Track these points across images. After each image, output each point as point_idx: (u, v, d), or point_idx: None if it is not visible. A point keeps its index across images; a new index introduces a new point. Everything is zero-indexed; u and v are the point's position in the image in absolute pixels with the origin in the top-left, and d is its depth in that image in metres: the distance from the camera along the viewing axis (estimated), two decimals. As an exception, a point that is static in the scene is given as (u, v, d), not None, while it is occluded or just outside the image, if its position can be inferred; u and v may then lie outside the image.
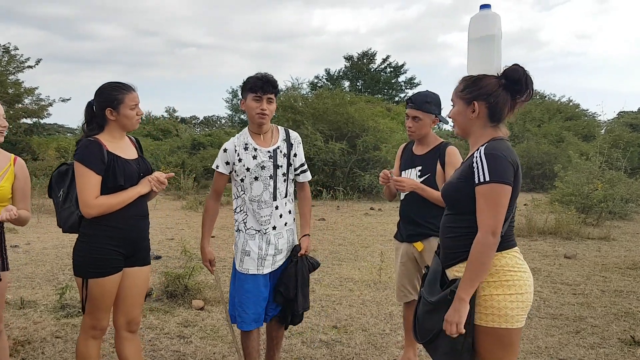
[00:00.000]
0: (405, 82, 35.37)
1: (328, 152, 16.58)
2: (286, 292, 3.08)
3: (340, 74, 35.19)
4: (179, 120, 36.69)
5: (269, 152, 3.09)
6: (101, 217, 2.64)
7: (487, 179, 2.00)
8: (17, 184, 2.86)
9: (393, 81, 35.30)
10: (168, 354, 3.79)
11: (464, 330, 2.01)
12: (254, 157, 3.07)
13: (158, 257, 7.05)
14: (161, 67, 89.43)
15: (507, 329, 2.03)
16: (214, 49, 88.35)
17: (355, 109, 17.97)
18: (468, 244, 2.05)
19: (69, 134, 29.52)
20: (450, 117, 2.27)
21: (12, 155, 2.93)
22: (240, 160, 3.07)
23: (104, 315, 2.73)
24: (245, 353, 3.12)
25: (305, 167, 3.28)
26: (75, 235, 2.72)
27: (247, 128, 3.18)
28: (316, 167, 16.87)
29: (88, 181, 2.59)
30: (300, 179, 3.26)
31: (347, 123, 17.73)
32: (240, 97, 3.17)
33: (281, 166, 3.11)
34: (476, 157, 2.06)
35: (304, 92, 23.94)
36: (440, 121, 3.39)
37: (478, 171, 2.03)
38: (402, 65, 35.20)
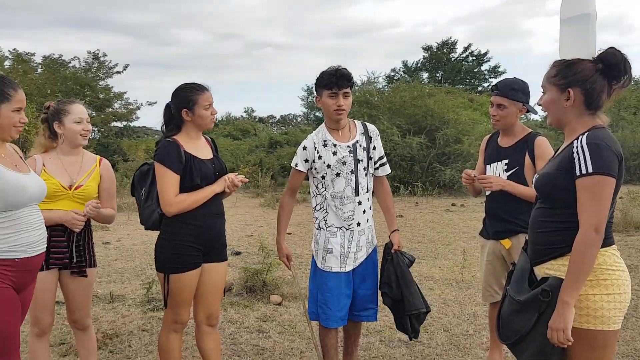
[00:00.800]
0: (488, 71, 33.83)
1: (405, 146, 16.24)
2: (390, 291, 3.01)
3: (418, 65, 34.30)
4: (256, 120, 37.72)
5: (348, 146, 3.04)
6: (180, 215, 2.70)
7: (590, 170, 1.85)
8: (103, 184, 2.99)
9: (475, 70, 33.88)
10: (248, 348, 3.84)
11: (571, 339, 1.86)
12: (334, 153, 3.02)
13: (238, 253, 7.21)
14: (240, 69, 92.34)
15: (603, 331, 1.90)
16: (290, 48, 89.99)
17: (434, 101, 17.47)
18: (562, 240, 1.94)
19: (156, 136, 31.14)
20: (540, 105, 2.11)
21: (98, 157, 3.07)
22: (320, 157, 3.03)
23: (184, 310, 2.79)
24: (323, 350, 3.09)
25: (384, 160, 3.19)
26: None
27: (324, 124, 3.13)
28: (393, 162, 16.55)
29: (168, 180, 2.67)
30: (380, 172, 3.17)
31: (425, 116, 17.27)
32: (315, 93, 3.11)
33: (362, 160, 3.04)
34: (577, 146, 1.91)
35: (380, 86, 23.67)
36: (528, 111, 3.15)
37: (579, 162, 1.88)
38: (485, 53, 33.68)
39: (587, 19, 2.00)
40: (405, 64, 34.34)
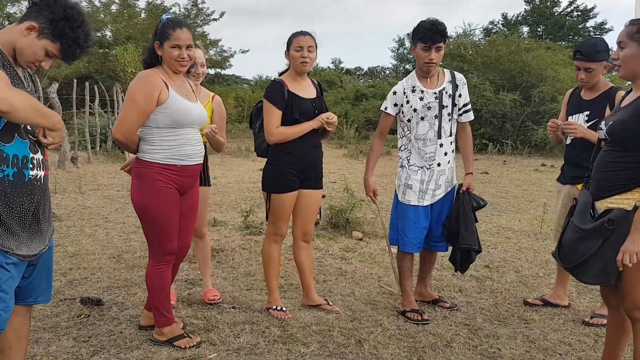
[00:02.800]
0: (594, 28, 31.25)
1: (498, 103, 15.82)
2: (448, 224, 3.36)
3: (519, 18, 32.36)
4: (343, 71, 37.65)
5: (435, 93, 3.32)
6: (282, 146, 3.19)
7: None
8: (214, 117, 3.47)
9: (580, 26, 31.38)
10: (332, 270, 4.33)
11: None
12: (421, 99, 3.32)
13: (322, 196, 7.68)
14: (330, 18, 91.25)
15: None
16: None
17: (532, 57, 16.68)
18: (629, 178, 2.19)
19: (245, 85, 32.12)
20: (615, 59, 2.29)
21: (212, 94, 3.55)
22: (407, 101, 3.34)
23: (283, 224, 3.32)
24: (400, 272, 3.49)
25: (469, 107, 3.43)
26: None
27: (414, 71, 3.43)
28: (483, 119, 16.18)
29: (271, 115, 3.16)
30: (463, 118, 3.43)
31: (522, 72, 16.61)
32: (410, 44, 3.36)
33: (446, 106, 3.32)
34: None
35: (477, 39, 22.75)
36: (610, 66, 3.29)
37: None
38: (592, 8, 31.00)
39: None
40: (504, 17, 32.50)
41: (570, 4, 31.32)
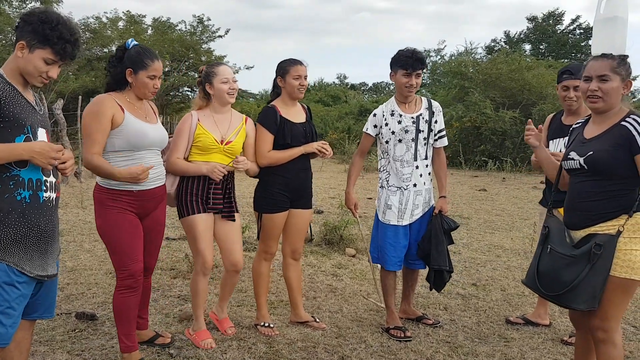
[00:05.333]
0: (596, 46, 31.51)
1: (498, 120, 15.92)
2: (422, 244, 3.48)
3: (521, 36, 32.69)
4: (348, 86, 38.02)
5: (412, 118, 3.47)
6: (273, 168, 3.32)
7: None
8: (248, 141, 3.28)
9: (583, 44, 31.72)
10: (323, 286, 4.44)
11: None
12: (399, 122, 3.47)
13: (320, 212, 7.82)
14: (338, 34, 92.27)
15: (635, 281, 2.26)
16: (390, 13, 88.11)
17: (533, 75, 16.86)
18: (617, 205, 2.29)
19: (251, 99, 32.41)
20: (596, 91, 2.35)
21: (244, 116, 3.34)
22: (386, 124, 3.50)
23: (273, 243, 3.44)
24: (383, 289, 3.60)
25: (444, 133, 3.60)
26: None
27: (394, 97, 3.60)
28: (483, 136, 16.30)
29: (263, 138, 3.30)
30: (438, 144, 3.58)
31: (522, 90, 16.77)
32: (390, 69, 3.50)
33: (422, 131, 3.48)
34: (632, 127, 2.27)
35: (479, 57, 22.99)
36: None
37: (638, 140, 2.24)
38: (594, 26, 31.39)
39: (615, 20, 2.38)
40: (507, 35, 32.85)
41: (573, 22, 31.64)
